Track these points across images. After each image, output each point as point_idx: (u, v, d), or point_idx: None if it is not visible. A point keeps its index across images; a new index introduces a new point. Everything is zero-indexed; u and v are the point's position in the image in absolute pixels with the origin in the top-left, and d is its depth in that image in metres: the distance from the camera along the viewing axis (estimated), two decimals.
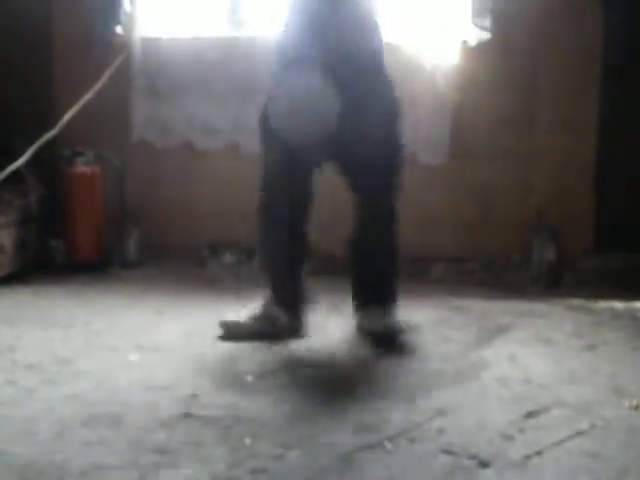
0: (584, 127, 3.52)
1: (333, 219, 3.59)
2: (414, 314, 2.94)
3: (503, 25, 3.45)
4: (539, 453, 1.89)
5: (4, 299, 3.11)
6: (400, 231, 3.58)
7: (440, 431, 2.00)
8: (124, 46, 3.58)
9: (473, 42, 3.47)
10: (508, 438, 1.97)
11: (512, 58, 3.48)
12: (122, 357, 2.50)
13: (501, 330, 2.82)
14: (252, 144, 3.65)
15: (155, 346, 2.60)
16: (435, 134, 3.56)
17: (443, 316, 2.97)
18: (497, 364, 2.50)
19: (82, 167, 3.53)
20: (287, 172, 2.66)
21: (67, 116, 3.32)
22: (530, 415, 2.11)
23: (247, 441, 1.93)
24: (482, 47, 3.46)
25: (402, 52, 3.45)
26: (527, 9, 3.42)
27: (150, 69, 3.64)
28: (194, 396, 2.19)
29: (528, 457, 1.87)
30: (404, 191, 3.55)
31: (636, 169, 3.50)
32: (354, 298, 2.80)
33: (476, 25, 3.43)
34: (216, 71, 3.61)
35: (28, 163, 3.26)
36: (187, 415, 2.07)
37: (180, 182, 3.72)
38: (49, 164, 3.55)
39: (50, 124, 3.33)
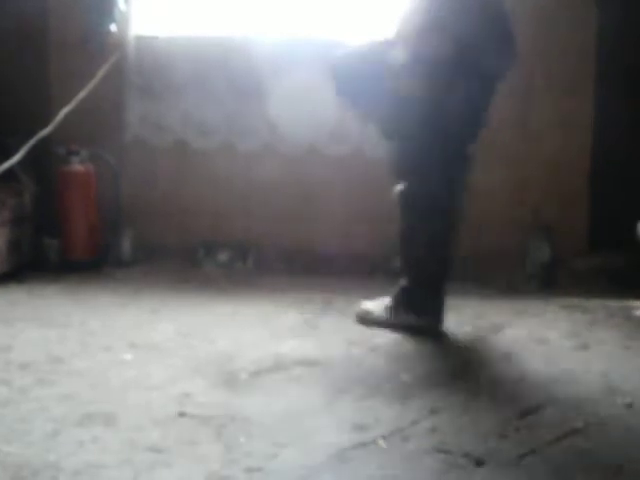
0: (579, 127, 3.52)
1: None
2: None
3: None
4: (533, 451, 1.89)
5: None
6: (396, 229, 3.60)
7: (434, 430, 2.01)
8: (119, 44, 3.57)
9: None
10: (502, 437, 1.98)
11: None
12: (116, 356, 2.50)
13: (496, 329, 2.82)
14: (247, 143, 3.68)
15: (149, 345, 2.60)
16: None
17: None
18: (491, 363, 2.50)
19: (76, 165, 3.52)
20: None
21: (62, 114, 3.31)
22: (524, 414, 2.11)
23: (241, 440, 1.93)
24: None
25: None
26: (522, 10, 3.42)
27: (145, 68, 3.63)
28: (188, 395, 2.19)
29: (522, 456, 1.87)
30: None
31: (630, 169, 3.50)
32: None
33: None
34: (212, 70, 3.61)
35: (22, 161, 3.25)
36: (181, 414, 2.07)
37: (175, 181, 3.71)
38: (43, 162, 3.54)
39: (44, 122, 3.33)
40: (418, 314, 2.74)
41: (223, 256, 3.63)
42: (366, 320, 2.82)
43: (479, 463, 1.83)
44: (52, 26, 3.65)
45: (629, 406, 2.17)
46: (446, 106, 2.62)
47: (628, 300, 3.14)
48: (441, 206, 2.73)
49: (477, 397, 2.23)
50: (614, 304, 3.12)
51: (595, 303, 3.14)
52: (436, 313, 2.75)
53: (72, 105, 3.31)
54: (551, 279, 3.42)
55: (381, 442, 1.93)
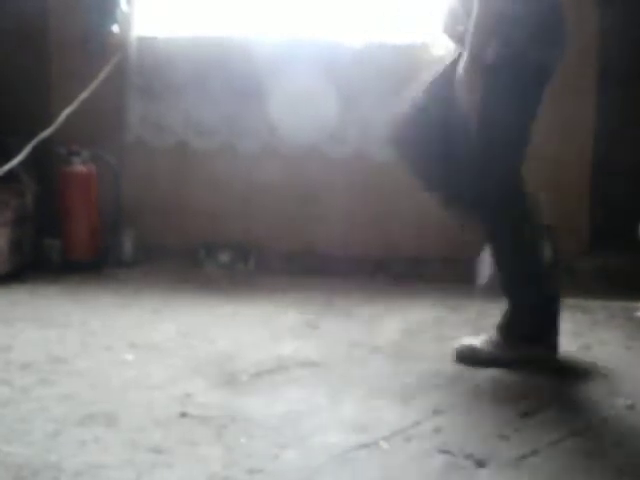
0: (581, 127, 3.52)
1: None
2: (410, 314, 2.95)
3: None
4: (535, 452, 1.89)
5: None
6: (397, 231, 3.60)
7: (436, 430, 2.00)
8: (120, 45, 3.57)
9: None
10: (504, 437, 1.97)
11: None
12: (117, 356, 2.50)
13: None
14: (247, 144, 3.68)
15: (150, 345, 2.60)
16: None
17: (439, 316, 2.97)
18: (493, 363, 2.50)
19: (78, 166, 3.52)
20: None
21: (63, 115, 3.31)
22: (526, 414, 2.11)
23: (242, 440, 1.93)
24: None
25: (404, 52, 3.45)
26: None
27: (146, 68, 3.63)
28: (189, 395, 2.19)
29: (524, 457, 1.87)
30: (403, 191, 3.57)
31: (632, 169, 3.50)
32: None
33: None
34: (212, 71, 3.60)
35: (24, 162, 3.25)
36: (182, 414, 2.07)
37: (176, 181, 3.71)
38: (44, 163, 3.54)
39: (46, 123, 3.33)
40: (531, 344, 2.47)
41: (224, 257, 3.63)
42: (470, 359, 2.48)
43: (481, 464, 1.83)
44: (52, 26, 3.65)
45: (630, 407, 2.17)
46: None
47: (629, 301, 3.14)
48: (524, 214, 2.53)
49: (479, 398, 2.23)
50: (615, 305, 3.12)
51: (596, 304, 3.14)
52: (551, 340, 2.49)
53: (73, 106, 3.31)
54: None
55: (383, 443, 1.93)
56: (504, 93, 2.39)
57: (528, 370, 2.44)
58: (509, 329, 2.48)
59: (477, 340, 2.53)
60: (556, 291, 2.52)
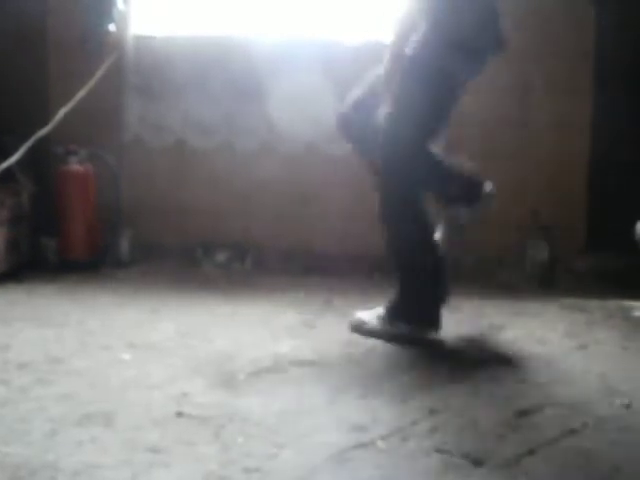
0: (579, 127, 3.53)
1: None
2: None
3: None
4: (531, 452, 1.89)
5: None
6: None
7: (433, 430, 2.01)
8: (117, 44, 3.57)
9: None
10: (501, 437, 1.98)
11: (507, 58, 3.48)
12: (115, 356, 2.50)
13: (494, 329, 2.82)
14: (246, 143, 3.68)
15: (148, 345, 2.60)
16: None
17: None
18: (490, 363, 2.51)
19: (75, 165, 3.52)
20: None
21: (60, 114, 3.31)
22: (523, 414, 2.12)
23: (240, 440, 1.93)
24: None
25: None
26: (522, 10, 3.42)
27: (144, 67, 3.63)
28: (187, 395, 2.19)
29: (521, 456, 1.87)
30: None
31: (629, 169, 3.50)
32: None
33: None
34: (211, 70, 3.61)
35: (21, 161, 3.25)
36: (180, 414, 2.07)
37: (174, 181, 3.71)
38: (42, 162, 3.54)
39: (43, 122, 3.32)
40: (409, 323, 2.67)
41: (222, 256, 3.63)
42: (360, 330, 2.72)
43: (478, 463, 1.83)
44: (51, 26, 3.65)
45: (627, 406, 2.17)
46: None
47: (626, 300, 3.14)
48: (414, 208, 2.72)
49: (476, 397, 2.23)
50: (612, 304, 3.13)
51: (594, 303, 3.14)
52: (431, 321, 2.68)
53: (71, 105, 3.31)
54: (550, 279, 3.43)
55: (380, 442, 1.93)
56: (415, 87, 2.60)
57: (525, 370, 2.45)
58: (393, 307, 2.70)
59: (368, 314, 2.74)
60: (439, 276, 2.70)
